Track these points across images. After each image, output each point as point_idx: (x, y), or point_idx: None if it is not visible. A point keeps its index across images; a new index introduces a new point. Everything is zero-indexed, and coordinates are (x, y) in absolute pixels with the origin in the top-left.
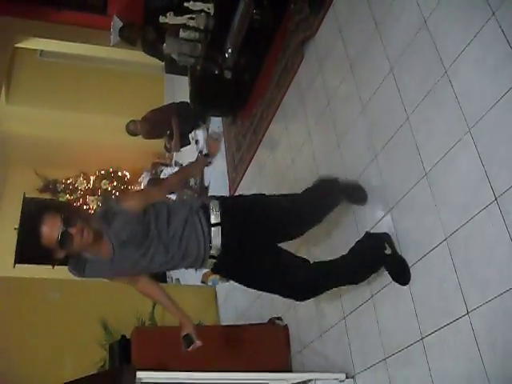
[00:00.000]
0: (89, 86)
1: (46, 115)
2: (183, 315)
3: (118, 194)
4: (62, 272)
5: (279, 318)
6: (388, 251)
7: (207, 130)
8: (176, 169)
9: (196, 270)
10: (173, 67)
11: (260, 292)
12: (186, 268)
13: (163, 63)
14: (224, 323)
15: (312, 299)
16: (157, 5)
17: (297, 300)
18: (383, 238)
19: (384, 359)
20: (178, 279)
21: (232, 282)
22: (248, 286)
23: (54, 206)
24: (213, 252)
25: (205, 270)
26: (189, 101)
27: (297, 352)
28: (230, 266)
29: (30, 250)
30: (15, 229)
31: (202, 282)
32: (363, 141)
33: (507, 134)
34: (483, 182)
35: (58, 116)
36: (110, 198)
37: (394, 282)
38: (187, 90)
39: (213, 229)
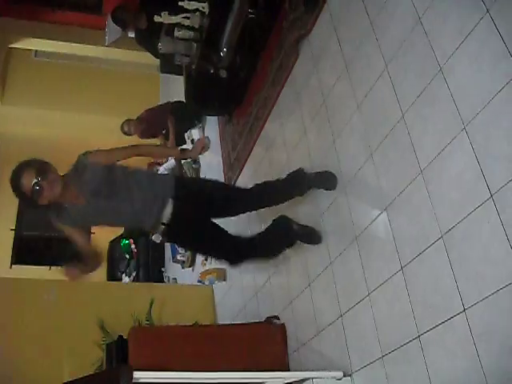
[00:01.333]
0: (84, 85)
1: (41, 115)
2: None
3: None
4: (58, 273)
5: (276, 317)
6: (295, 227)
7: (203, 129)
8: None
9: (150, 233)
10: (168, 66)
11: (256, 290)
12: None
13: (157, 60)
14: (221, 322)
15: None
16: None
17: (230, 263)
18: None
19: (381, 357)
20: (174, 279)
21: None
22: (192, 250)
23: (32, 162)
24: (164, 220)
25: (202, 270)
26: (184, 100)
27: (294, 350)
28: (177, 232)
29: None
30: (11, 230)
31: (199, 281)
32: (358, 139)
33: (502, 131)
34: (479, 179)
35: (53, 116)
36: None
37: (391, 279)
38: (182, 90)
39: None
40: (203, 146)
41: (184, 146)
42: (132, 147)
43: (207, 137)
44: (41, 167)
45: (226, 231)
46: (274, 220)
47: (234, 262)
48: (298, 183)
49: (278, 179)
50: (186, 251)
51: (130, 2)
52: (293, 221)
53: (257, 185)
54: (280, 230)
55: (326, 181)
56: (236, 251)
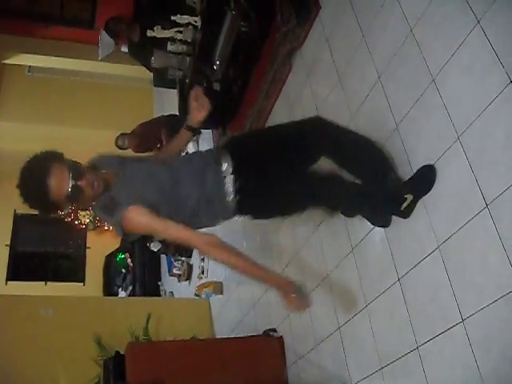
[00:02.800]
0: (78, 100)
1: (35, 130)
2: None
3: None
4: (54, 288)
5: (274, 330)
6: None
7: (197, 142)
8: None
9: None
10: (161, 80)
11: (253, 303)
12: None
13: (150, 73)
14: (218, 336)
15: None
16: (146, 7)
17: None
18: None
19: (380, 369)
20: (171, 292)
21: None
22: (278, 214)
23: (56, 156)
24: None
25: (199, 283)
26: (178, 113)
27: (292, 363)
28: (252, 204)
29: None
30: (6, 245)
31: (196, 294)
32: None
33: (496, 141)
34: (474, 189)
35: (47, 131)
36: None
37: (388, 291)
38: (176, 103)
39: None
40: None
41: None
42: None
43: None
44: (74, 164)
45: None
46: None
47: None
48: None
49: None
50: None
51: (123, 15)
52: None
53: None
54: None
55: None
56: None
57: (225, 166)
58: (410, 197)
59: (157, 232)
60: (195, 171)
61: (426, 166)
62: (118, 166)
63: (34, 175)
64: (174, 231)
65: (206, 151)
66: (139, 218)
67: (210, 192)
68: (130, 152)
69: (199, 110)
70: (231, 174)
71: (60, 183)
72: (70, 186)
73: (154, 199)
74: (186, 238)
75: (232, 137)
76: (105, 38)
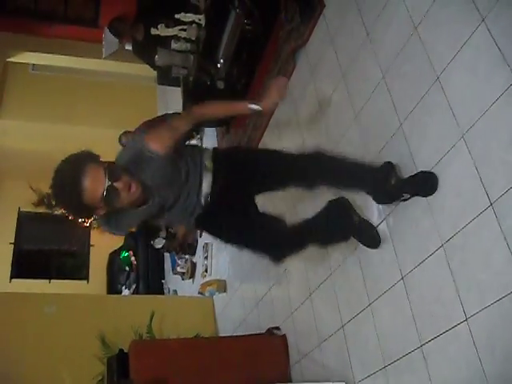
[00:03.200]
0: (82, 98)
1: (39, 129)
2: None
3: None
4: (58, 286)
5: (277, 328)
6: (356, 219)
7: (201, 140)
8: None
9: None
10: (165, 78)
11: (257, 301)
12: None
13: (154, 71)
14: (222, 334)
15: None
16: (150, 5)
17: (273, 260)
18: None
19: (384, 367)
20: (175, 290)
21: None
22: (226, 241)
23: (92, 156)
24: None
25: (202, 281)
26: (182, 111)
27: (296, 362)
28: (211, 220)
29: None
30: (10, 243)
31: (200, 292)
32: (357, 149)
33: (501, 140)
34: (478, 188)
35: (51, 129)
36: (133, 137)
37: (391, 289)
38: (180, 101)
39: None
40: (282, 90)
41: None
42: (193, 112)
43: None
44: (110, 167)
45: (271, 218)
46: (330, 201)
47: (277, 258)
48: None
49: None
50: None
51: (127, 14)
52: (354, 209)
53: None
54: (336, 218)
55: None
56: (281, 244)
57: (204, 187)
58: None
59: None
60: (183, 177)
61: (427, 172)
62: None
63: (68, 175)
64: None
65: (195, 164)
66: (158, 139)
67: (186, 198)
68: None
69: (276, 98)
70: (206, 195)
71: (95, 184)
72: (106, 186)
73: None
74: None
75: (223, 155)
76: (109, 36)
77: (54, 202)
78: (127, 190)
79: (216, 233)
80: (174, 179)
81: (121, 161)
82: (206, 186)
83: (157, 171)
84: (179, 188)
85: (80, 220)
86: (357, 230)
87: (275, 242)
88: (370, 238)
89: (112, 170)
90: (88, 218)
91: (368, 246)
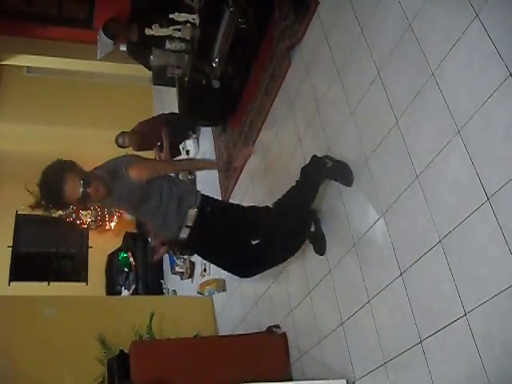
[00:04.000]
0: (77, 100)
1: (35, 131)
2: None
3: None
4: (57, 288)
5: (277, 326)
6: (329, 163)
7: (197, 139)
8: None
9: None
10: (160, 78)
11: (256, 300)
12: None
13: (149, 72)
14: (222, 333)
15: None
16: (144, 6)
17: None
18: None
19: (384, 364)
20: (174, 290)
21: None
22: (210, 260)
23: (69, 165)
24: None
25: (201, 281)
26: (178, 111)
27: (296, 359)
28: (199, 244)
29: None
30: (9, 247)
31: (199, 292)
32: (353, 145)
33: (496, 134)
34: (474, 183)
35: (47, 131)
36: (123, 160)
37: (390, 285)
38: (176, 101)
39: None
40: (248, 155)
41: (179, 157)
42: (176, 163)
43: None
44: (84, 174)
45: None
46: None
47: (244, 275)
48: (315, 178)
49: (295, 187)
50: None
51: (121, 15)
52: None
53: (278, 205)
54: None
55: (344, 174)
56: (250, 265)
57: (184, 231)
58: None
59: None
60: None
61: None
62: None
63: (52, 181)
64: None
65: (176, 200)
66: (138, 169)
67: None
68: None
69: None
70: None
71: (73, 190)
72: (81, 192)
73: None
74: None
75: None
76: (103, 37)
77: (40, 199)
78: (96, 191)
79: (203, 255)
80: (136, 200)
81: (105, 165)
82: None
83: (124, 187)
84: (138, 209)
85: (78, 222)
86: (333, 172)
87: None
88: (345, 175)
89: (85, 179)
90: (65, 210)
91: (345, 185)
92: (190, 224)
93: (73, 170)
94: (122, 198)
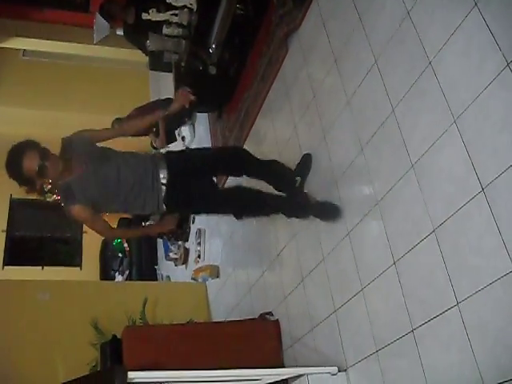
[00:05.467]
0: (73, 84)
1: (30, 115)
2: None
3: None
4: (51, 273)
5: (270, 313)
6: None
7: (193, 126)
8: None
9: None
10: (157, 64)
11: (250, 287)
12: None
13: (146, 57)
14: (215, 319)
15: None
16: None
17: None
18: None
19: (376, 351)
20: (168, 276)
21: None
22: (196, 211)
23: (30, 143)
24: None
25: (195, 267)
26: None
27: (288, 346)
28: (177, 196)
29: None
30: (3, 231)
31: (193, 278)
32: (349, 134)
33: (493, 124)
34: (470, 173)
35: (42, 115)
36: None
37: (383, 274)
38: (172, 87)
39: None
40: (185, 97)
41: (174, 143)
42: (116, 128)
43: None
44: (42, 150)
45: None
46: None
47: (239, 215)
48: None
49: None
50: (191, 222)
51: None
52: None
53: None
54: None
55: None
56: (241, 202)
57: (162, 174)
58: (298, 179)
59: (88, 224)
60: (138, 173)
61: (306, 154)
62: (85, 158)
63: (13, 155)
64: (97, 227)
65: (147, 158)
66: (79, 215)
67: (145, 186)
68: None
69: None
70: (165, 180)
71: (30, 163)
72: (38, 165)
73: (99, 195)
74: (100, 231)
75: (167, 154)
76: (100, 21)
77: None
78: (54, 165)
79: (184, 208)
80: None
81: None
82: (162, 176)
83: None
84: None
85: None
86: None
87: (236, 202)
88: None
89: (43, 153)
90: (32, 187)
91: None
92: (164, 181)
93: (33, 147)
94: (88, 158)
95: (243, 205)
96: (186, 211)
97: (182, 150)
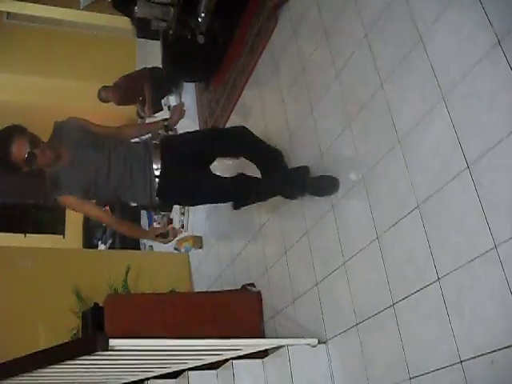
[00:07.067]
0: (59, 50)
1: (14, 81)
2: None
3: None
4: (33, 240)
5: (252, 285)
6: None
7: (180, 95)
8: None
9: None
10: (144, 31)
11: (232, 258)
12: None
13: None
14: (197, 289)
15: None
16: None
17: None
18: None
19: (356, 325)
20: (151, 246)
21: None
22: (193, 202)
23: (19, 128)
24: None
25: (178, 237)
26: (161, 66)
27: (269, 318)
28: (172, 187)
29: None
30: None
31: (175, 248)
32: (337, 108)
33: (481, 103)
34: (456, 150)
35: (27, 81)
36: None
37: (366, 248)
38: (159, 55)
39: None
40: (180, 112)
41: (161, 113)
42: (115, 128)
43: (183, 102)
44: (31, 136)
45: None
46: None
47: (238, 205)
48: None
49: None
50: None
51: None
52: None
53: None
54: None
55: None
56: (239, 192)
57: (155, 165)
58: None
59: (79, 211)
60: (129, 164)
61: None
62: (73, 145)
63: (1, 141)
64: (90, 212)
65: (141, 147)
66: (68, 204)
67: (136, 176)
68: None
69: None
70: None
71: (19, 149)
72: (27, 152)
73: (88, 184)
74: (96, 215)
75: (164, 139)
76: None
77: None
78: (43, 154)
79: (178, 199)
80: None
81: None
82: (156, 163)
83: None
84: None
85: None
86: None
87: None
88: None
89: (33, 141)
90: (16, 171)
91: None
92: (157, 173)
93: (22, 133)
94: (77, 147)
95: (243, 194)
96: (181, 204)
97: (180, 134)
